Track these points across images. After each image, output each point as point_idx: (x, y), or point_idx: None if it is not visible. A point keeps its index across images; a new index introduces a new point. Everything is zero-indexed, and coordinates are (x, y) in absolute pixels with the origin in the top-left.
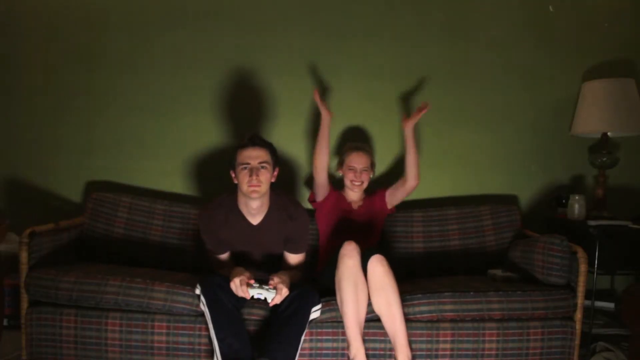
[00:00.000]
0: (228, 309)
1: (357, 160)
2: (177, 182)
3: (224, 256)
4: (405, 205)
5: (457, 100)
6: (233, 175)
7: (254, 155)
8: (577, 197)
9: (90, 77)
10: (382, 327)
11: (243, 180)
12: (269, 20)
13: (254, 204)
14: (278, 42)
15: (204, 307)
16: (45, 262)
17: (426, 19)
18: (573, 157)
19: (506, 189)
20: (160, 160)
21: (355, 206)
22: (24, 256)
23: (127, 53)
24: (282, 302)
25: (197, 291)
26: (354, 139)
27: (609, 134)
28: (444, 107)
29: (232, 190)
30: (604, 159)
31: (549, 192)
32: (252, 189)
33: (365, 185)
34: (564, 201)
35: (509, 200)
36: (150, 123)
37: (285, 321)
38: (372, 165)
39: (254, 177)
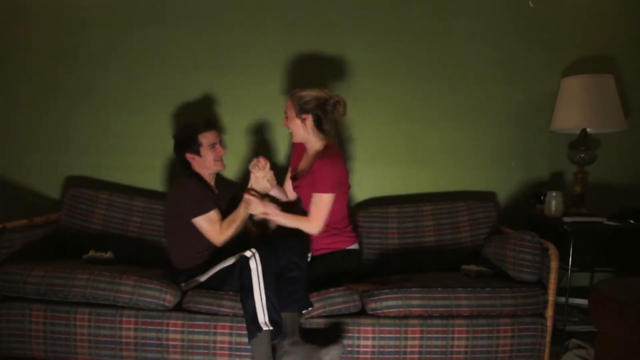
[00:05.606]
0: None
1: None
2: (156, 179)
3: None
4: (381, 201)
5: (436, 96)
6: (191, 157)
7: (216, 136)
8: (554, 194)
9: (68, 74)
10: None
11: (211, 157)
12: (247, 19)
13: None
14: (256, 40)
15: (255, 264)
16: (17, 258)
17: (406, 14)
18: (553, 153)
19: (485, 185)
20: (139, 156)
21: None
22: None
23: (104, 50)
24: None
25: (248, 254)
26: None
27: (588, 130)
28: (423, 103)
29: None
30: (582, 155)
31: (529, 189)
32: (220, 163)
33: (297, 135)
34: (542, 198)
35: (487, 197)
36: (128, 119)
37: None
38: (303, 110)
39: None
